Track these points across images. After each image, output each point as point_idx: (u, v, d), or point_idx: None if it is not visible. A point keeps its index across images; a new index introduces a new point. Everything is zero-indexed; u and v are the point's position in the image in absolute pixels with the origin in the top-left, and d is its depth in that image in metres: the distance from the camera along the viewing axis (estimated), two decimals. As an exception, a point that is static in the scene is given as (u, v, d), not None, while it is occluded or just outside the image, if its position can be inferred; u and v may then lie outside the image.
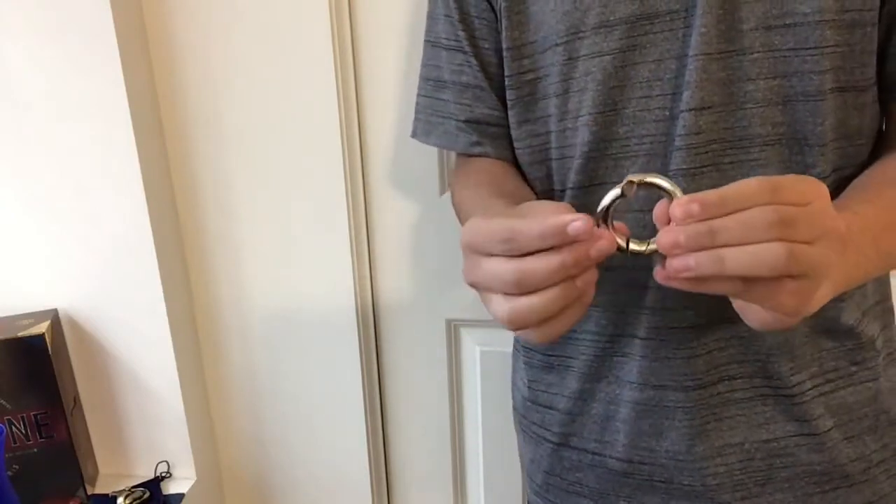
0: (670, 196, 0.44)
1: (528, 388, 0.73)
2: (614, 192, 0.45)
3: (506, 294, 0.44)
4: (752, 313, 0.46)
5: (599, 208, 0.45)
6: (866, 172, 0.59)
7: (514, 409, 0.79)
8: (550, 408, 0.70)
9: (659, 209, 0.44)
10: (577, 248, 0.43)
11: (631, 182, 0.44)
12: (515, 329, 0.46)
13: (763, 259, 0.41)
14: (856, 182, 0.58)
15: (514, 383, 0.79)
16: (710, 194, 0.41)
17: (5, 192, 0.97)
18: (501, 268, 0.44)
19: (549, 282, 0.43)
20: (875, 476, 0.64)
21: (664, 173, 0.58)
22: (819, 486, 0.63)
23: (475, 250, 0.46)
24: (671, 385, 0.62)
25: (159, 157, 0.99)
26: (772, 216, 0.40)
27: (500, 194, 0.62)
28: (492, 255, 0.44)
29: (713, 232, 0.41)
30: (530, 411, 0.73)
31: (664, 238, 0.42)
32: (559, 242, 0.42)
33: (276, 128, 0.97)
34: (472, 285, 0.47)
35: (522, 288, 0.43)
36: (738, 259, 0.41)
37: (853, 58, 0.55)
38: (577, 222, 0.42)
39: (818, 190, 0.43)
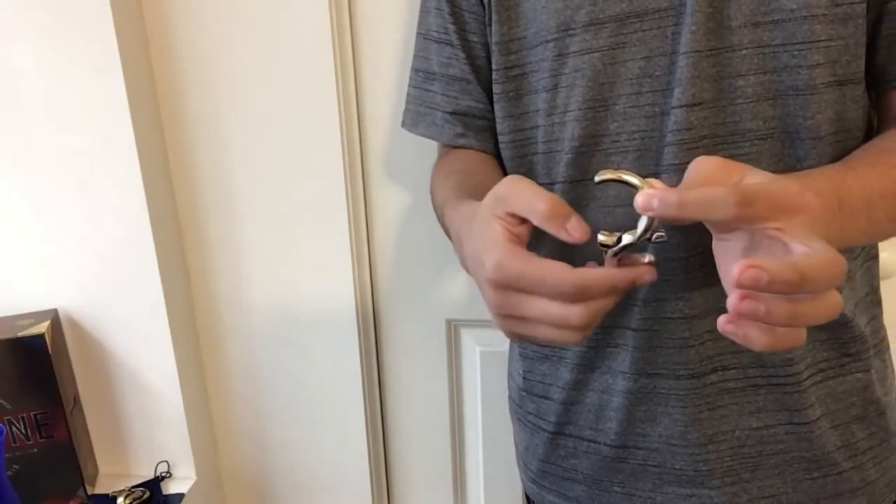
0: (637, 190, 0.45)
1: (524, 378, 0.73)
2: (627, 239, 0.47)
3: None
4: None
5: (616, 249, 0.48)
6: (876, 139, 0.59)
7: (510, 398, 0.80)
8: (546, 398, 0.71)
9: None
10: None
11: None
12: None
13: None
14: (866, 145, 0.58)
15: (509, 373, 0.80)
16: (671, 196, 0.42)
17: (6, 191, 0.97)
18: (567, 313, 0.45)
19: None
20: (862, 463, 0.65)
21: (656, 169, 0.59)
22: (808, 473, 0.64)
23: (519, 289, 0.47)
24: (664, 373, 0.63)
25: (159, 157, 0.99)
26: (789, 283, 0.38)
27: (462, 185, 0.63)
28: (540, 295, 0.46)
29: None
30: (525, 401, 0.74)
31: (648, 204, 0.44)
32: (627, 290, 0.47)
33: (276, 128, 0.97)
34: (509, 317, 0.48)
35: (586, 328, 0.46)
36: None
37: (848, 50, 0.55)
38: (648, 276, 0.47)
39: (798, 204, 0.43)
